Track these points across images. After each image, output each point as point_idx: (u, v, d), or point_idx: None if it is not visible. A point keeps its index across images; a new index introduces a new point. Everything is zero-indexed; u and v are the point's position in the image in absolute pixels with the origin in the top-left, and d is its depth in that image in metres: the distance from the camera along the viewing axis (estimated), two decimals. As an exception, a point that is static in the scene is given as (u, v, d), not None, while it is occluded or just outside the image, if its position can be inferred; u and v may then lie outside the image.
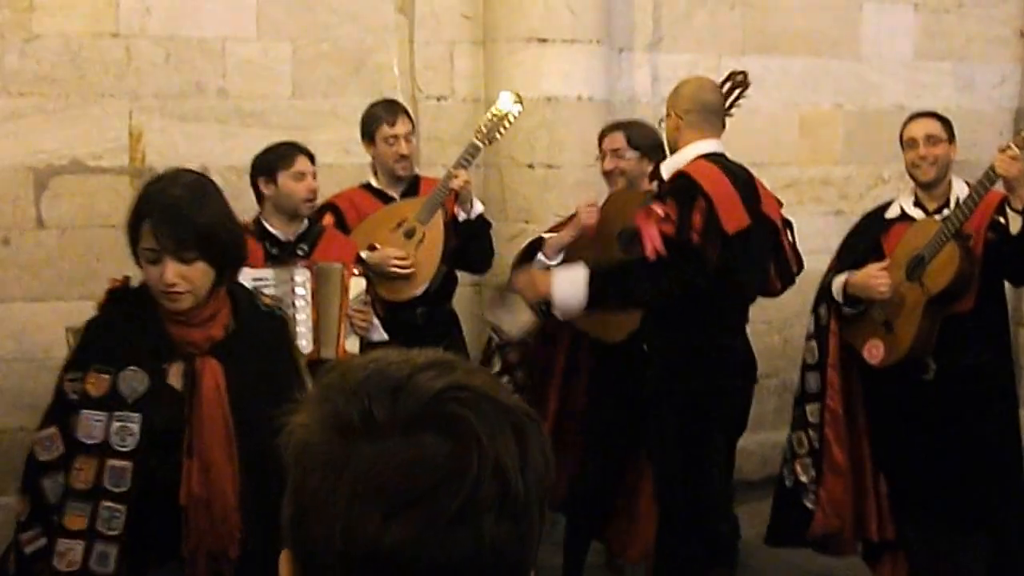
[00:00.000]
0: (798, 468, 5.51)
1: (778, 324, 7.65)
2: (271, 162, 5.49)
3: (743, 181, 5.10)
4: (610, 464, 5.82)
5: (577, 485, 5.78)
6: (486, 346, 6.15)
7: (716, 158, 5.10)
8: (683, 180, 4.99)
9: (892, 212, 5.57)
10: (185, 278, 3.34)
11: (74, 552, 3.34)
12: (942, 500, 5.39)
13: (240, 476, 3.41)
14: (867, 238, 5.59)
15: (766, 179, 7.50)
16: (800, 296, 6.07)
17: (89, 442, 3.35)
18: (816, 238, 6.76)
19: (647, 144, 5.79)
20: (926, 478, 5.40)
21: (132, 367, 3.38)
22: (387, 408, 1.19)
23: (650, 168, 5.67)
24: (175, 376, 3.42)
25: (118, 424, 3.34)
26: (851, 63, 8.02)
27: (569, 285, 5.06)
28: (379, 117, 5.98)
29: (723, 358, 5.17)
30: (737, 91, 5.48)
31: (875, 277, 5.30)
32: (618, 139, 5.84)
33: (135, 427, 3.35)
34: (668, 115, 5.22)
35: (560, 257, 5.71)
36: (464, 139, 6.29)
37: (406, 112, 6.07)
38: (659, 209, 4.91)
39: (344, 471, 1.17)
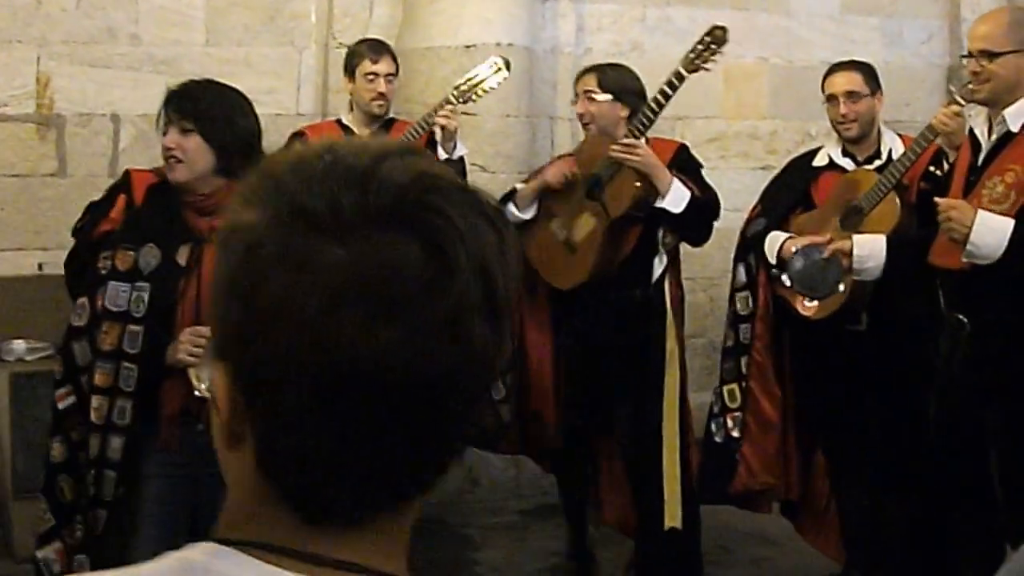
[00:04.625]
0: (729, 422, 5.39)
1: (703, 282, 7.55)
2: None
3: None
4: (581, 420, 5.65)
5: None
6: None
7: None
8: None
9: (820, 160, 5.46)
10: (180, 147, 3.86)
11: (102, 407, 3.91)
12: (870, 456, 5.31)
13: None
14: (794, 187, 5.48)
15: (691, 132, 7.53)
16: (723, 253, 5.96)
17: (115, 309, 3.91)
18: (743, 193, 6.67)
19: (621, 87, 5.49)
20: (853, 433, 5.32)
21: (150, 244, 3.94)
22: (357, 201, 1.04)
23: (625, 113, 5.44)
24: (183, 256, 3.92)
25: (136, 294, 3.91)
26: (778, 17, 7.91)
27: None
28: (362, 53, 5.94)
29: None
30: (714, 46, 5.23)
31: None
32: (590, 81, 5.53)
33: (146, 296, 3.90)
34: (1002, 52, 4.53)
35: (532, 209, 5.56)
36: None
37: (393, 56, 5.98)
38: None
39: (317, 272, 1.02)
